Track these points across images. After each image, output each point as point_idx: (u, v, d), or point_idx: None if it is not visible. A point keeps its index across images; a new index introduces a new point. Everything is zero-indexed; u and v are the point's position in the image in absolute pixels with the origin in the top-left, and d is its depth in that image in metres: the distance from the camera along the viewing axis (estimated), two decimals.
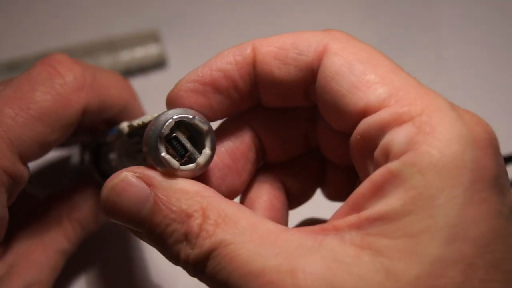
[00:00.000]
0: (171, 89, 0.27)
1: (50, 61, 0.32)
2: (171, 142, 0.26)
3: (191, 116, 0.26)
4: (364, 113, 0.24)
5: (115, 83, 0.35)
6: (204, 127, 0.26)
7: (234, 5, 0.55)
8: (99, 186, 0.27)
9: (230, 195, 0.29)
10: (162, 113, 0.26)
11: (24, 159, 0.31)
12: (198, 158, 0.26)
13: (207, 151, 0.26)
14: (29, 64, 0.50)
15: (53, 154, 0.43)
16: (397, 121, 0.23)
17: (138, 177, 0.25)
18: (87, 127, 0.37)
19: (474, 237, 0.22)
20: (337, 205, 0.26)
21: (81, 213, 0.36)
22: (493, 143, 0.23)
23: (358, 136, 0.25)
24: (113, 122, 0.36)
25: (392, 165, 0.22)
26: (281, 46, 0.26)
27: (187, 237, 0.24)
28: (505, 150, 0.45)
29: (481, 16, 0.54)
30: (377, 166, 0.23)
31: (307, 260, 0.22)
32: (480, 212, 0.22)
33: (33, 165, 0.43)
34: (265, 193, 0.30)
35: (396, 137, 0.23)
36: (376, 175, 0.23)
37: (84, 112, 0.32)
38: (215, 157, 0.27)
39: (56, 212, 0.35)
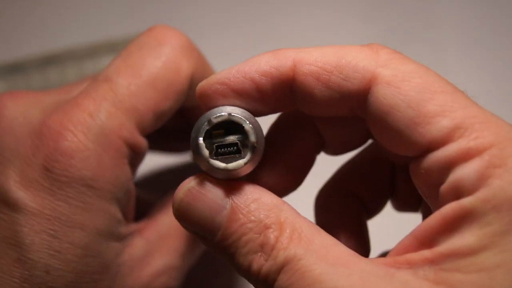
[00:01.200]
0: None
1: (157, 28, 0.31)
2: (217, 151, 0.25)
3: (221, 114, 0.25)
4: (427, 149, 0.24)
5: (209, 65, 0.34)
6: (243, 122, 0.25)
7: (234, 6, 0.55)
8: None
9: (287, 191, 0.29)
10: (195, 135, 0.25)
11: (141, 130, 0.30)
12: (248, 148, 0.25)
13: (251, 137, 0.25)
14: (30, 66, 0.50)
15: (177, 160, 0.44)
16: (465, 157, 0.23)
17: (215, 183, 0.25)
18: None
19: None
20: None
21: None
22: None
23: (422, 171, 0.24)
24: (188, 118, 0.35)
25: (464, 202, 0.22)
26: (323, 67, 0.25)
27: (263, 248, 0.24)
28: None
29: (482, 16, 0.54)
30: (445, 200, 0.23)
31: (381, 287, 0.22)
32: None
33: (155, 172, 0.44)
34: (346, 222, 0.30)
35: (465, 173, 0.22)
36: (447, 211, 0.23)
37: (191, 82, 0.31)
38: (276, 158, 0.27)
39: None
